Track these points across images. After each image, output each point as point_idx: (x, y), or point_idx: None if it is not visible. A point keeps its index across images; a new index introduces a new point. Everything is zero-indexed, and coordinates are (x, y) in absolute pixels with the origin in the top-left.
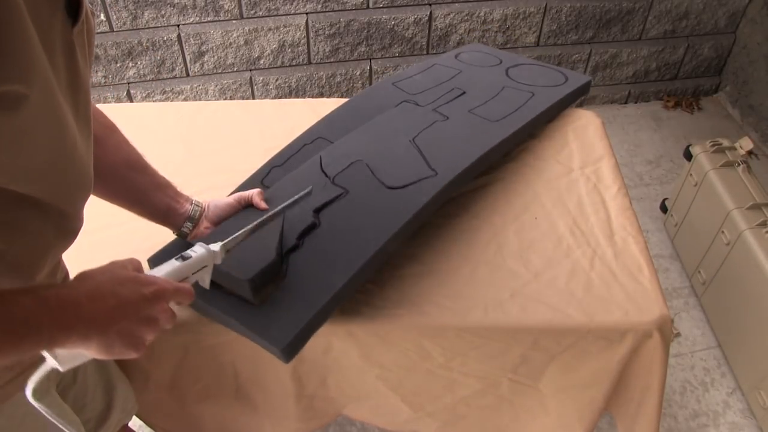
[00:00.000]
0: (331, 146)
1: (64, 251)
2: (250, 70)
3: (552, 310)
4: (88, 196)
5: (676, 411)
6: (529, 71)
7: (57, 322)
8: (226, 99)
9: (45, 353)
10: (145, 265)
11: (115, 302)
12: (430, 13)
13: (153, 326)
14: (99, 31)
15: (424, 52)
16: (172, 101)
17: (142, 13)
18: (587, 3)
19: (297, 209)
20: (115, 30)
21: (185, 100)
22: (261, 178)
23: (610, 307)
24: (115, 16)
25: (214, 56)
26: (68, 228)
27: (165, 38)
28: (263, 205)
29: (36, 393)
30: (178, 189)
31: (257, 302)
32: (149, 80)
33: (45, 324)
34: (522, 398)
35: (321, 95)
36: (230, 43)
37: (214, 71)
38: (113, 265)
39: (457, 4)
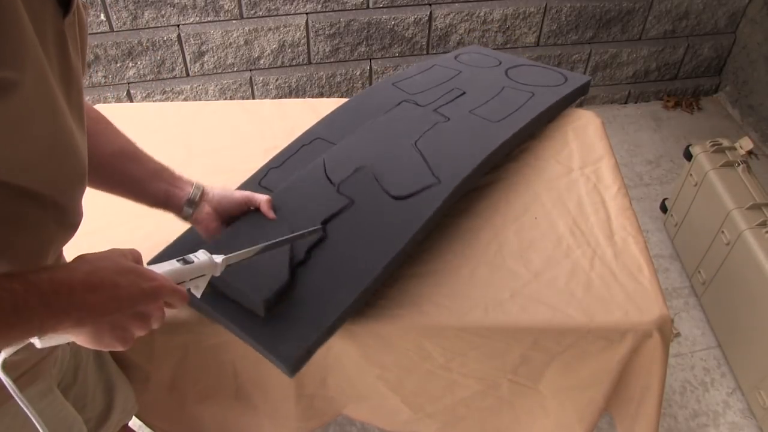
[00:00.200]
0: (333, 148)
1: (65, 244)
2: (250, 70)
3: (552, 310)
4: (85, 187)
5: (676, 411)
6: (529, 72)
7: (49, 307)
8: (226, 99)
9: None
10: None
11: (112, 292)
12: (430, 13)
13: (145, 323)
14: (99, 31)
15: (424, 52)
16: (172, 101)
17: (142, 13)
18: (587, 3)
19: (305, 220)
20: (115, 30)
21: (185, 100)
22: (259, 180)
23: (610, 307)
24: (115, 16)
25: (214, 56)
26: (68, 221)
27: (165, 38)
28: (271, 214)
29: (5, 365)
30: (176, 173)
31: (264, 315)
32: (149, 80)
33: (36, 310)
34: (522, 400)
35: (321, 95)
36: (230, 43)
37: (214, 71)
38: (113, 253)
39: (457, 4)
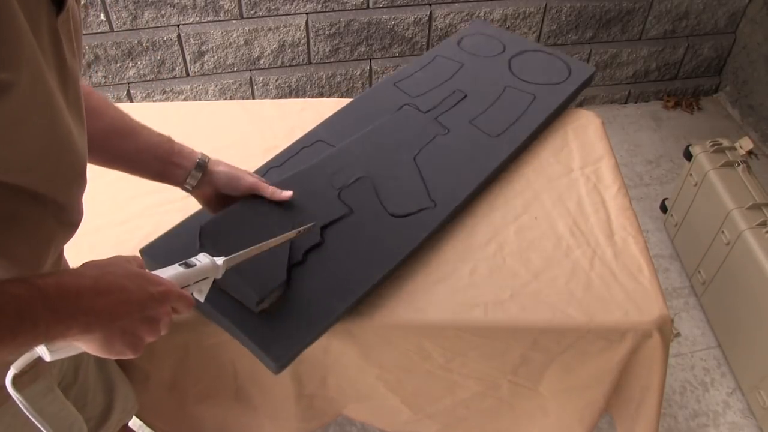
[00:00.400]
0: (335, 150)
1: (65, 243)
2: (250, 70)
3: (552, 310)
4: (84, 185)
5: (676, 411)
6: (533, 62)
7: (56, 312)
8: (226, 99)
9: None
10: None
11: (121, 296)
12: (430, 13)
13: (154, 328)
14: (99, 31)
15: (424, 52)
16: (172, 101)
17: (142, 13)
18: (587, 3)
19: (306, 218)
20: (115, 30)
21: (185, 100)
22: None
23: (609, 307)
24: (115, 16)
25: (214, 56)
26: (68, 219)
27: (165, 38)
28: (279, 195)
29: (16, 382)
30: (176, 145)
31: (257, 311)
32: (149, 80)
33: (42, 315)
34: (522, 401)
35: (321, 95)
36: (230, 43)
37: (214, 71)
38: (118, 259)
39: (457, 4)
